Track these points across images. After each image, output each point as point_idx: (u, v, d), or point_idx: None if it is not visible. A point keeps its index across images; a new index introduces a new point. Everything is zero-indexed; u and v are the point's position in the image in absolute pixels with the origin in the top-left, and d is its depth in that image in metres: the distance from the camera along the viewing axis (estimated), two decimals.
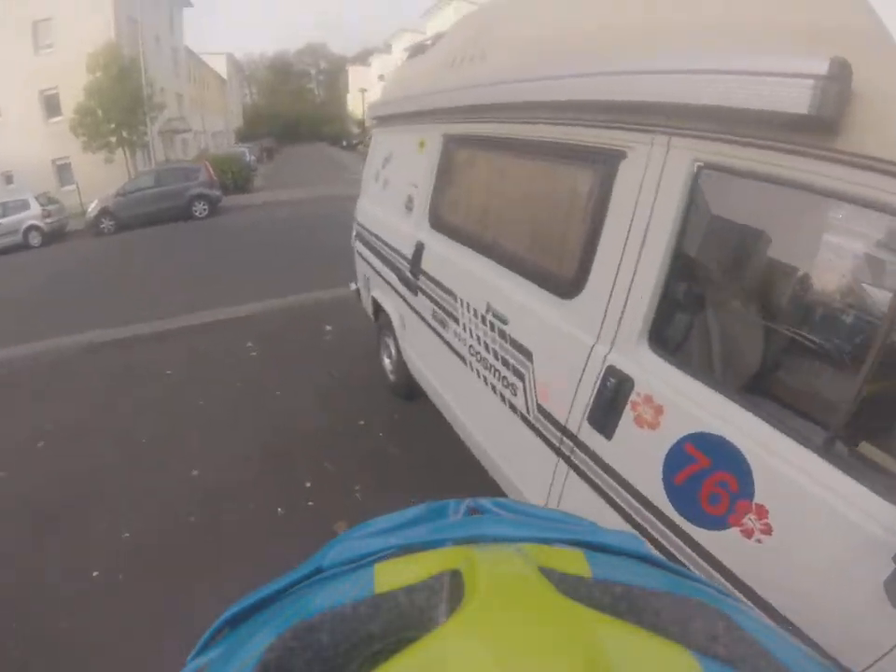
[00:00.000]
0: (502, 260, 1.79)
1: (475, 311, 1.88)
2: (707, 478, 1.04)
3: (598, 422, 1.31)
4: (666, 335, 1.29)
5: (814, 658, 0.23)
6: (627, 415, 1.22)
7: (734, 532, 1.00)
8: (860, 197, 0.84)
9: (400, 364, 2.94)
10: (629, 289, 1.24)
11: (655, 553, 0.35)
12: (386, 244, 2.82)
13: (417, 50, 2.90)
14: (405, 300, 2.59)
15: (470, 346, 1.95)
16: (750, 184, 1.05)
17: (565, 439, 1.44)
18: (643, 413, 1.18)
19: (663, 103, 1.11)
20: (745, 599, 0.97)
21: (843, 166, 0.85)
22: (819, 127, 0.85)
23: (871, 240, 1.42)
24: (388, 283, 2.82)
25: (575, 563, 0.27)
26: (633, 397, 1.21)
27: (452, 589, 0.24)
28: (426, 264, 2.32)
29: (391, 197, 2.87)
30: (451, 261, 2.11)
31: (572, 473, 1.44)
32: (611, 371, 1.27)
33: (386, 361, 3.31)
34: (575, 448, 1.41)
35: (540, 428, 1.55)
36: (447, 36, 2.50)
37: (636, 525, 1.23)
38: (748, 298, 1.69)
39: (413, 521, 0.44)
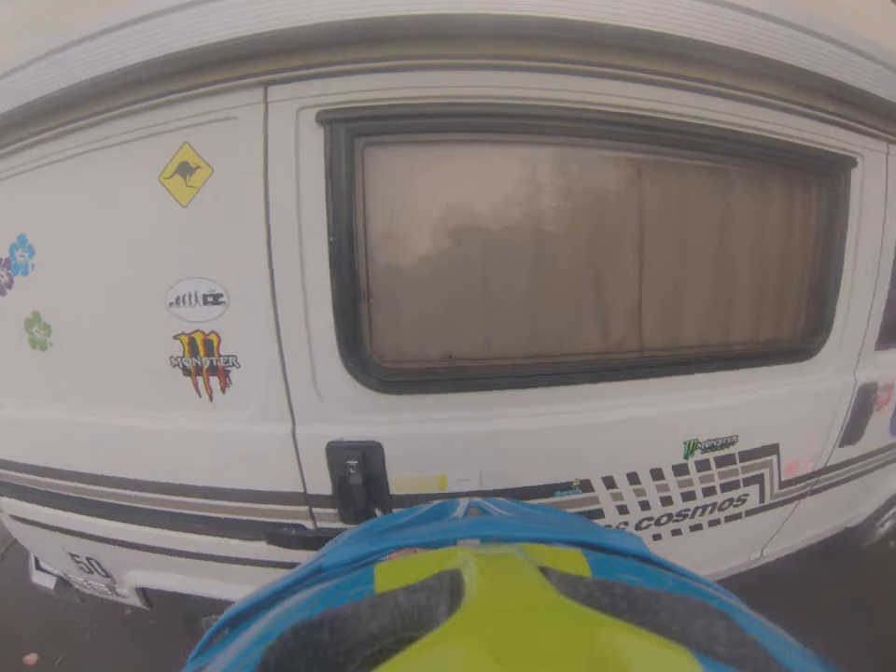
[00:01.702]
0: (698, 365, 1.13)
1: (653, 471, 1.17)
2: None
3: (848, 439, 1.39)
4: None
5: (814, 658, 0.23)
6: (872, 412, 1.39)
7: None
8: None
9: None
10: (872, 304, 1.27)
11: (654, 553, 0.35)
12: (172, 488, 1.07)
13: None
14: None
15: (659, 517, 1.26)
16: None
17: (808, 482, 1.43)
18: (883, 400, 1.40)
19: None
20: None
21: None
22: None
23: None
24: (224, 558, 1.16)
25: (574, 562, 0.27)
26: (878, 395, 1.38)
27: (452, 589, 0.24)
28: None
29: (93, 365, 1.02)
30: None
31: (812, 498, 1.50)
32: (863, 390, 1.33)
33: None
34: (819, 479, 1.46)
35: (778, 500, 1.41)
36: None
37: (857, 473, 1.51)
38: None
39: (414, 521, 0.44)
